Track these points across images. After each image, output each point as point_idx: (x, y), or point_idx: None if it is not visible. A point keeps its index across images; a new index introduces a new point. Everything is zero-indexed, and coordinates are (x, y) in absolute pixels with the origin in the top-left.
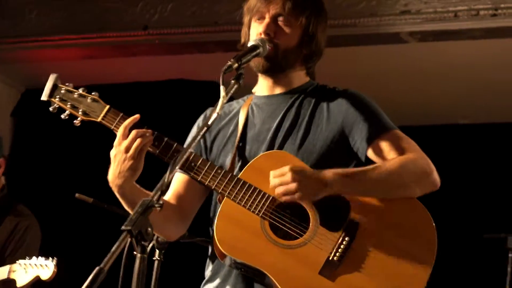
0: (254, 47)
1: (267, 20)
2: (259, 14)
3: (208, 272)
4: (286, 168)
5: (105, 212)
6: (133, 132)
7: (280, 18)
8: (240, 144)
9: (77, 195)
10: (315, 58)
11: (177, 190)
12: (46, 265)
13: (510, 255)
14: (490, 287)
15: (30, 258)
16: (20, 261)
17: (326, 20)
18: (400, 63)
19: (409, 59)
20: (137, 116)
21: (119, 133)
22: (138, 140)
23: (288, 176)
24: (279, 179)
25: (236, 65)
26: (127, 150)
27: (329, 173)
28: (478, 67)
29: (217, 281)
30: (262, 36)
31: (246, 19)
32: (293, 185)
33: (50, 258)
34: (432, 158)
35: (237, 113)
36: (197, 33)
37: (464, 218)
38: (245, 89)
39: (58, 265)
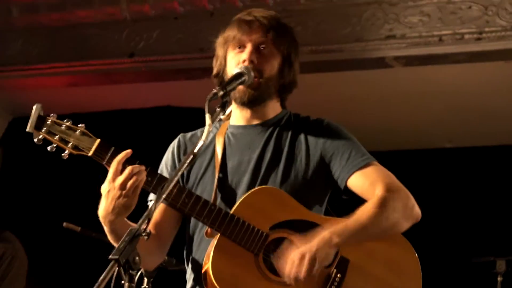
0: (239, 75)
1: (249, 48)
2: (239, 43)
3: None
4: (296, 257)
5: (93, 241)
6: (129, 169)
7: (262, 47)
8: (221, 175)
9: (65, 224)
10: (292, 88)
11: (155, 218)
12: None
13: (499, 278)
14: None
15: None
16: None
17: (299, 52)
18: (385, 87)
19: (394, 83)
20: (129, 151)
21: (112, 168)
22: (134, 177)
23: (305, 265)
24: (301, 272)
25: (221, 93)
26: (122, 187)
27: (335, 237)
28: (464, 90)
29: None
30: (246, 63)
31: (221, 51)
32: (315, 268)
33: None
34: (418, 182)
35: (212, 140)
36: (183, 60)
37: (452, 242)
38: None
39: None
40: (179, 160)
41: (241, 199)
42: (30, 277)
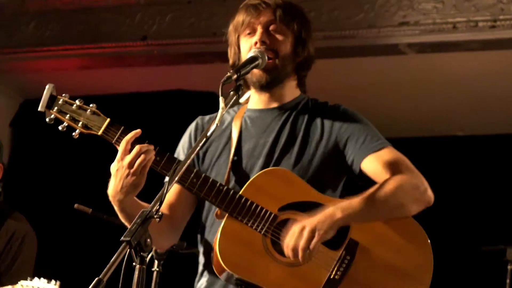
0: (253, 58)
1: (260, 30)
2: (249, 28)
3: (201, 284)
4: (296, 229)
5: (104, 223)
6: (137, 148)
7: (272, 27)
8: (235, 158)
9: (76, 205)
10: (307, 66)
11: (169, 200)
12: None
13: (509, 267)
14: None
15: (27, 271)
16: (23, 282)
17: (311, 32)
18: (398, 74)
19: (407, 70)
20: (138, 130)
21: (121, 147)
22: (142, 156)
23: (304, 236)
24: (299, 243)
25: (235, 76)
26: (130, 165)
27: (338, 212)
28: (476, 78)
29: None
30: (258, 45)
31: (233, 38)
32: (315, 240)
33: (53, 281)
34: (430, 170)
35: (229, 124)
36: (195, 44)
37: (462, 230)
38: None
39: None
40: (194, 141)
41: (250, 180)
42: (40, 258)
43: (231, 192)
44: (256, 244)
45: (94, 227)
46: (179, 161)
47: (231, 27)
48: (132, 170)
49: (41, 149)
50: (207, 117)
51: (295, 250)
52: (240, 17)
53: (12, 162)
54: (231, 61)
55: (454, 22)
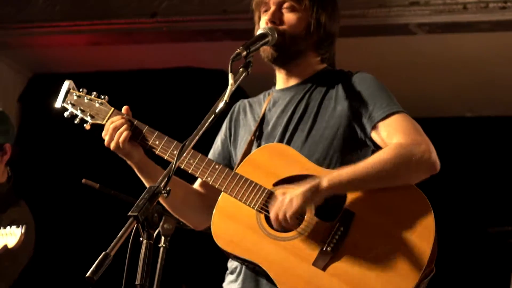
0: (263, 35)
1: (272, 8)
2: (265, 6)
3: (229, 264)
4: (279, 200)
5: (112, 198)
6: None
7: (285, 5)
8: (256, 140)
9: (83, 180)
10: (326, 43)
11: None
12: (12, 233)
13: None
14: (495, 281)
15: (20, 263)
16: None
17: (335, 3)
18: (408, 54)
19: (417, 50)
20: (125, 108)
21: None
22: (112, 132)
23: (285, 204)
24: (279, 212)
25: (244, 53)
26: (108, 143)
27: (324, 182)
28: (486, 60)
29: (234, 275)
30: (268, 24)
31: (256, 16)
32: (295, 209)
33: (20, 226)
34: (437, 150)
35: (261, 107)
36: (206, 21)
37: (468, 211)
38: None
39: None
40: (230, 124)
41: (247, 157)
42: (49, 235)
43: (226, 170)
44: (249, 220)
45: (102, 202)
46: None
47: (254, 5)
48: (112, 145)
49: (49, 125)
50: (245, 101)
51: (278, 219)
52: None
53: (20, 137)
54: None
55: (464, 2)
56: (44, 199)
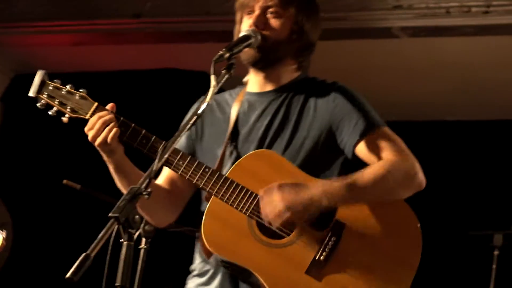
0: (246, 37)
1: (256, 12)
2: (249, 8)
3: (195, 266)
4: (276, 197)
5: (92, 199)
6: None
7: (270, 10)
8: (231, 142)
9: (64, 181)
10: (306, 52)
11: (170, 175)
12: None
13: (495, 252)
14: (475, 285)
15: None
16: None
17: (317, 13)
18: (390, 58)
19: (399, 54)
20: (110, 106)
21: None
22: (97, 129)
23: (280, 207)
24: (272, 214)
25: (227, 54)
26: (93, 140)
27: (316, 191)
28: (469, 64)
29: (205, 278)
30: (252, 28)
31: (238, 17)
32: (286, 216)
33: (2, 231)
34: (419, 154)
35: (230, 107)
36: (189, 23)
37: (450, 215)
38: (236, 80)
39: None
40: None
41: (237, 162)
42: (29, 234)
43: (217, 174)
44: (241, 225)
45: (83, 203)
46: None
47: (237, 5)
48: (97, 143)
49: (32, 125)
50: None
51: (268, 217)
52: None
53: (2, 137)
54: (234, 38)
55: (447, 6)
56: (26, 199)
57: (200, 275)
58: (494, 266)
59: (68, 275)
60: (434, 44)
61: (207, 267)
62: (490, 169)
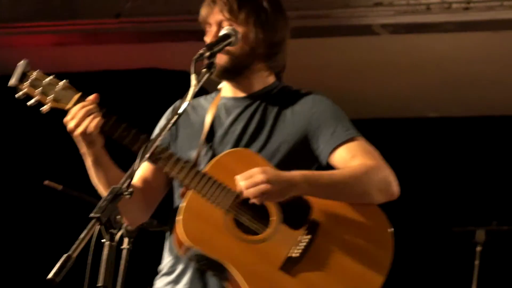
0: (226, 36)
1: (213, 29)
2: (207, 23)
3: (163, 266)
4: (255, 170)
5: (74, 200)
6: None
7: (223, 24)
8: (206, 144)
9: (46, 182)
10: (273, 53)
11: (144, 174)
12: None
13: (477, 248)
14: (458, 281)
15: None
16: None
17: (278, 11)
18: (371, 55)
19: (380, 51)
20: (93, 96)
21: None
22: (79, 118)
23: (259, 178)
24: (249, 181)
25: (208, 53)
26: (73, 129)
27: (297, 174)
28: (450, 60)
29: (173, 275)
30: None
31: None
32: (263, 187)
33: None
34: (401, 151)
35: (205, 110)
36: (170, 22)
37: (432, 211)
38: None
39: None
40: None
41: (215, 159)
42: (10, 236)
43: (196, 170)
44: (218, 221)
45: (65, 203)
46: (146, 137)
47: (199, 19)
48: (77, 132)
49: (12, 126)
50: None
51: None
52: (201, 11)
53: None
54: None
55: (427, 3)
56: (6, 200)
57: (169, 273)
58: (476, 262)
59: (49, 276)
60: (415, 41)
61: (176, 265)
62: (472, 165)
